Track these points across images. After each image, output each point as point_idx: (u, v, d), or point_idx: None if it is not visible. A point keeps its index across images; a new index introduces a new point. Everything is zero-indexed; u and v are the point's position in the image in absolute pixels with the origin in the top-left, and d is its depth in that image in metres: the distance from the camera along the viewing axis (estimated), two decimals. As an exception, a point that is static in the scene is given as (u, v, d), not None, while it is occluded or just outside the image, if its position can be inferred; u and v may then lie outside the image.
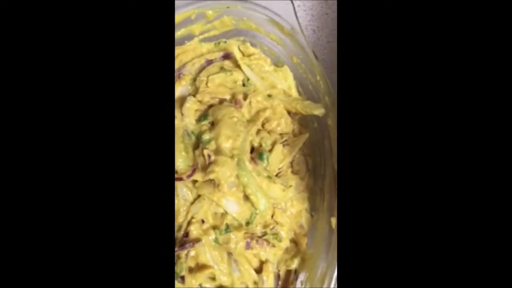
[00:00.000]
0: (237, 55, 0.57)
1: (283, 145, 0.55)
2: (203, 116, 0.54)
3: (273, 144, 0.54)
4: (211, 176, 0.48)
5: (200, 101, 0.56)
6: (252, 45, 0.61)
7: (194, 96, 0.57)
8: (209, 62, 0.60)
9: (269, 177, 0.51)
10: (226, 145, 0.51)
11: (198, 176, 0.51)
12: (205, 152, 0.50)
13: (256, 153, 0.53)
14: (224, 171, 0.49)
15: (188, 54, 0.60)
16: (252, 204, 0.51)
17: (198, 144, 0.53)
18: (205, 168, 0.50)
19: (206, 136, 0.51)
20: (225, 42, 0.62)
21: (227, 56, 0.61)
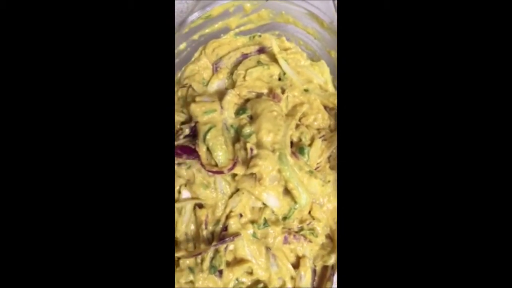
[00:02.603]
0: (275, 49, 0.57)
1: (321, 140, 0.54)
2: (241, 110, 0.54)
3: (312, 139, 0.54)
4: (254, 170, 0.48)
5: (237, 95, 0.55)
6: (287, 39, 0.61)
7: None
8: (245, 56, 0.60)
9: (310, 172, 0.51)
10: (267, 139, 0.50)
11: (238, 170, 0.50)
12: (248, 145, 0.49)
13: (296, 147, 0.53)
14: (266, 165, 0.48)
15: (224, 48, 0.60)
16: (292, 199, 0.51)
17: (237, 137, 0.53)
18: (246, 161, 0.50)
19: (246, 130, 0.51)
20: (260, 36, 0.61)
21: (262, 50, 0.61)
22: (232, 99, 0.54)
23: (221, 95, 0.55)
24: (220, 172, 0.50)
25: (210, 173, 0.51)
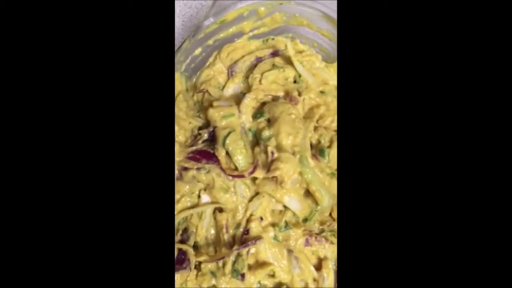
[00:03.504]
0: (291, 51, 0.57)
1: (340, 142, 0.55)
2: (259, 113, 0.54)
3: (331, 140, 0.54)
4: (276, 173, 0.48)
5: (254, 98, 0.55)
6: (300, 42, 0.61)
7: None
8: (259, 60, 0.60)
9: (332, 174, 0.51)
10: (287, 142, 0.50)
11: (259, 173, 0.50)
12: (269, 149, 0.49)
13: (316, 150, 0.53)
14: (288, 168, 0.48)
15: (238, 52, 0.60)
16: (313, 201, 0.51)
17: (255, 141, 0.53)
18: (266, 165, 0.50)
19: (266, 133, 0.51)
20: (273, 39, 0.62)
21: (276, 53, 0.61)
22: (250, 103, 0.54)
23: (237, 99, 0.55)
24: (241, 176, 0.50)
25: (230, 177, 0.51)
